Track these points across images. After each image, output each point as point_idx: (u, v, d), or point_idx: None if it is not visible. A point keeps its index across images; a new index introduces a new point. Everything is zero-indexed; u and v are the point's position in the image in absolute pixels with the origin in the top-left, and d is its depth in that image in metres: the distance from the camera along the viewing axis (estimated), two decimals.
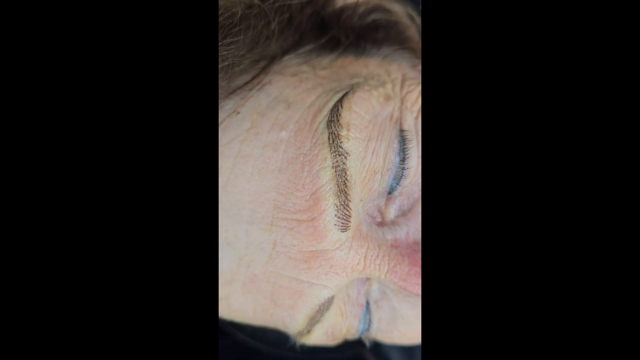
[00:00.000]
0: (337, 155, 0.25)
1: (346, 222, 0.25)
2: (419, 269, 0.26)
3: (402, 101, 0.27)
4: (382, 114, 0.26)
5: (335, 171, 0.25)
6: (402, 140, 0.26)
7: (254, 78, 0.27)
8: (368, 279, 0.28)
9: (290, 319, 0.28)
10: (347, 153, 0.25)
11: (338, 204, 0.25)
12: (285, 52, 0.29)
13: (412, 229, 0.27)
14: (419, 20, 0.33)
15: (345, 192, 0.25)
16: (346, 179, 0.25)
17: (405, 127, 0.26)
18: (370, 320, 0.29)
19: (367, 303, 0.29)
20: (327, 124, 0.25)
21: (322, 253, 0.25)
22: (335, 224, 0.25)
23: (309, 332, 0.28)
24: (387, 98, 0.27)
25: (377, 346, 0.42)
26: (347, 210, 0.25)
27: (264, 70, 0.28)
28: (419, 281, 0.26)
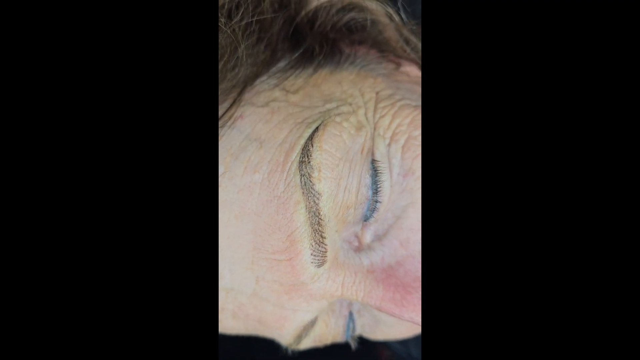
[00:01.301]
0: (310, 197, 0.25)
1: (322, 259, 0.26)
2: (392, 294, 0.27)
3: (375, 127, 0.27)
4: (354, 147, 0.26)
5: (309, 213, 0.25)
6: (374, 172, 0.26)
7: (225, 112, 0.27)
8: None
9: (279, 336, 0.30)
10: (319, 194, 0.25)
11: (313, 243, 0.26)
12: (257, 75, 0.28)
13: (387, 253, 0.28)
14: (398, 18, 0.31)
15: (320, 231, 0.26)
16: (320, 219, 0.25)
17: (377, 156, 0.26)
18: (354, 327, 0.31)
19: (350, 313, 0.31)
20: (299, 165, 0.25)
21: (301, 286, 0.27)
22: (311, 262, 0.26)
23: (298, 344, 0.31)
24: (359, 127, 0.26)
25: None
26: (323, 247, 0.26)
27: (235, 102, 0.27)
28: (392, 305, 0.27)
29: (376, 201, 0.26)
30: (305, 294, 0.27)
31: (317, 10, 0.30)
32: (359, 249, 0.28)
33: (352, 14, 0.31)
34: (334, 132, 0.26)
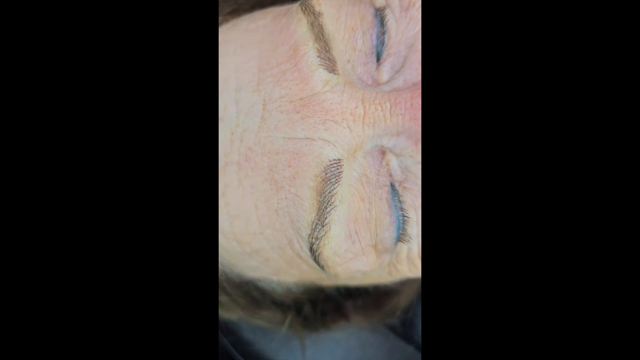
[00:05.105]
0: (311, 15, 0.25)
1: (331, 64, 0.24)
2: (420, 91, 0.24)
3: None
4: None
5: (311, 25, 0.25)
6: (379, 15, 0.26)
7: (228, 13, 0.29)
8: (383, 153, 0.25)
9: (295, 205, 0.24)
10: (320, 14, 0.25)
11: (319, 47, 0.25)
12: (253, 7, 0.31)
13: (408, 75, 0.25)
14: None
15: (324, 40, 0.25)
16: (323, 32, 0.25)
17: (378, 4, 0.26)
18: (400, 200, 0.25)
19: (392, 184, 0.25)
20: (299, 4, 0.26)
21: (313, 98, 0.24)
22: (319, 64, 0.24)
23: (323, 225, 0.24)
24: None
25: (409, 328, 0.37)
26: (330, 54, 0.25)
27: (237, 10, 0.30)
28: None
29: (383, 32, 0.26)
30: (319, 111, 0.24)
31: None
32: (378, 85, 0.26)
33: None
34: None
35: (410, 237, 0.25)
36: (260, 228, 0.26)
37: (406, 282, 0.34)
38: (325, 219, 0.24)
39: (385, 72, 0.26)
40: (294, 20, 0.25)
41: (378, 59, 0.26)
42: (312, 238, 0.25)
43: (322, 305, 0.35)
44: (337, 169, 0.24)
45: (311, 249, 0.25)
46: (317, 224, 0.24)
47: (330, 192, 0.24)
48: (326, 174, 0.24)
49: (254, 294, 0.32)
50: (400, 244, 0.25)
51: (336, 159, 0.24)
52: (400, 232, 0.25)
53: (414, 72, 0.25)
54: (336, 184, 0.24)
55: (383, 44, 0.26)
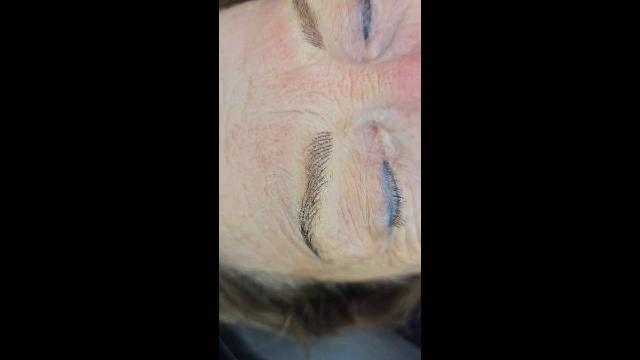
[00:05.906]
0: None
1: (316, 38, 0.24)
2: (410, 52, 0.23)
3: None
4: None
5: (297, 4, 0.25)
6: None
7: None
8: (375, 129, 0.24)
9: (284, 181, 0.24)
10: None
11: (303, 23, 0.24)
12: None
13: (397, 49, 0.24)
14: None
15: (308, 17, 0.24)
16: (307, 9, 0.25)
17: None
18: (393, 179, 0.24)
19: (385, 162, 0.24)
20: None
21: (299, 71, 0.24)
22: (304, 38, 0.24)
23: (314, 202, 0.23)
24: None
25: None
26: (315, 29, 0.24)
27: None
28: (413, 62, 0.23)
29: (369, 8, 0.25)
30: (306, 83, 0.23)
31: None
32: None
33: None
34: None
35: (404, 220, 0.24)
36: (249, 210, 0.25)
37: (413, 280, 0.32)
38: (316, 195, 0.23)
39: (374, 50, 0.25)
40: (280, 1, 0.25)
41: (366, 36, 0.25)
42: (302, 217, 0.24)
43: (325, 306, 0.33)
44: (326, 142, 0.23)
45: (302, 230, 0.24)
46: (307, 200, 0.23)
47: (319, 166, 0.23)
48: (314, 147, 0.23)
49: (251, 291, 0.30)
50: (395, 228, 0.24)
51: (324, 131, 0.23)
52: (394, 214, 0.24)
53: (403, 45, 0.25)
54: (325, 158, 0.23)
55: (370, 20, 0.25)
